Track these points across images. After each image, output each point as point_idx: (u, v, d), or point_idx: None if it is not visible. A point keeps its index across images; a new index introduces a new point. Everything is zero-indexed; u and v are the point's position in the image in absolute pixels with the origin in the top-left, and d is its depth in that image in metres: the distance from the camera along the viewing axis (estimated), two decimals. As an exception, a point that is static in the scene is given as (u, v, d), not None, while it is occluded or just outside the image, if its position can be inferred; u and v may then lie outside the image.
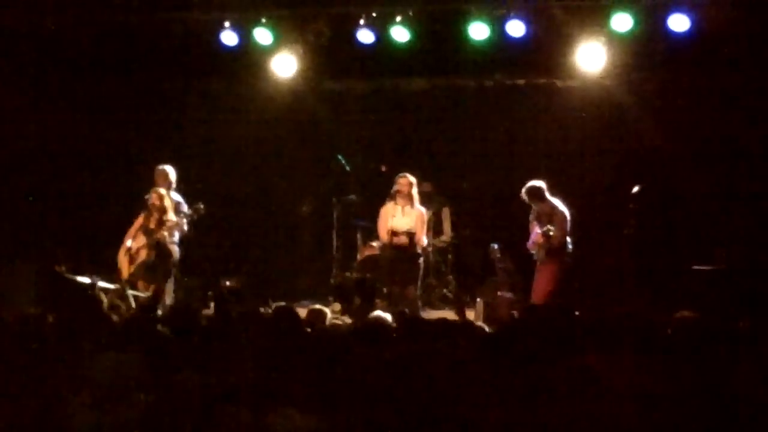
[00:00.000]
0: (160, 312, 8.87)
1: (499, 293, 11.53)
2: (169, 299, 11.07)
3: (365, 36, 12.04)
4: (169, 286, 11.26)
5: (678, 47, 11.63)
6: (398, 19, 11.89)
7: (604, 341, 5.58)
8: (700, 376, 4.70)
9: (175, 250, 11.28)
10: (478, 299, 11.67)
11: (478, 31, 11.76)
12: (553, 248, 10.78)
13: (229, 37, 12.35)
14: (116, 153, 13.57)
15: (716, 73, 12.17)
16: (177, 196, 11.53)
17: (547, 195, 10.94)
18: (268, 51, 12.54)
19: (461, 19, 11.83)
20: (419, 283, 11.43)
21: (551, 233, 10.64)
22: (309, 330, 6.78)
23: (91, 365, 4.66)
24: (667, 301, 9.70)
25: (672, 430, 4.34)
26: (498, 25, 11.72)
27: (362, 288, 11.75)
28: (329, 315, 8.40)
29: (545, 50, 12.13)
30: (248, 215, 14.11)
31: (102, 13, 12.21)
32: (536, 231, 10.90)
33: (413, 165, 12.28)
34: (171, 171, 11.59)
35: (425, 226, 11.52)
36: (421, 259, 11.43)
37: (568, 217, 10.86)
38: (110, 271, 11.12)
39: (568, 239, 10.89)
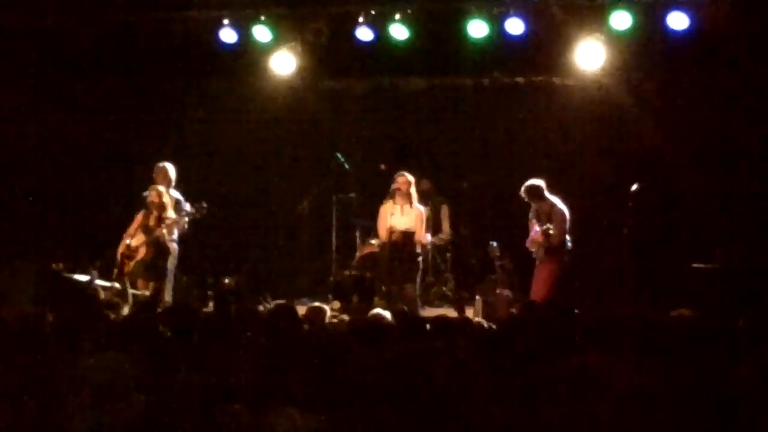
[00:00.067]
0: (159, 310, 8.84)
1: (498, 291, 11.52)
2: (168, 297, 11.05)
3: (364, 34, 12.04)
4: (169, 285, 11.24)
5: (677, 46, 11.62)
6: (397, 17, 11.89)
7: (604, 341, 5.59)
8: (700, 376, 4.69)
9: (174, 248, 11.26)
10: (477, 297, 11.66)
11: (477, 29, 11.77)
12: (552, 247, 10.79)
13: (228, 35, 12.35)
14: (116, 152, 13.56)
15: (715, 71, 12.17)
16: (176, 194, 11.52)
17: (546, 193, 10.94)
18: (267, 49, 12.54)
19: (460, 17, 11.83)
20: (418, 281, 11.43)
21: (551, 232, 10.65)
22: (308, 328, 6.78)
23: (90, 365, 4.65)
24: (666, 301, 9.69)
25: (672, 429, 4.34)
26: (497, 24, 11.73)
27: (361, 286, 11.77)
28: (329, 313, 8.40)
29: (544, 49, 12.14)
30: (247, 214, 14.09)
31: (101, 12, 12.21)
32: (535, 229, 10.90)
33: (412, 163, 12.29)
34: (171, 168, 11.57)
35: (424, 225, 11.51)
36: (420, 258, 11.42)
37: (567, 216, 10.86)
38: (110, 270, 11.11)
39: (567, 238, 10.89)
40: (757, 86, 12.05)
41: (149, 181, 11.43)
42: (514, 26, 11.65)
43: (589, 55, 11.82)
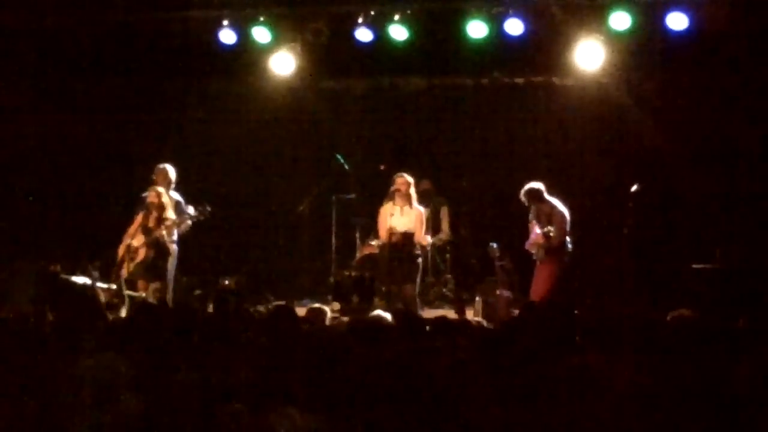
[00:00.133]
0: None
1: (498, 292, 11.52)
2: (168, 298, 11.05)
3: (364, 34, 12.04)
4: (169, 285, 11.23)
5: (677, 46, 11.63)
6: (397, 17, 11.90)
7: (604, 341, 5.59)
8: (700, 376, 4.69)
9: (174, 248, 11.26)
10: (477, 298, 11.67)
11: (477, 29, 11.76)
12: (552, 248, 10.80)
13: (227, 36, 12.35)
14: (116, 153, 13.56)
15: (715, 71, 12.18)
16: (176, 195, 11.51)
17: (546, 195, 10.95)
18: (267, 50, 12.55)
19: (459, 17, 11.83)
20: (418, 282, 11.43)
21: (551, 234, 10.66)
22: (314, 328, 6.78)
23: (90, 365, 4.64)
24: (666, 301, 9.69)
25: (672, 429, 4.34)
26: (496, 24, 11.73)
27: (361, 287, 11.77)
28: (329, 314, 8.40)
29: (544, 49, 12.16)
30: (247, 214, 14.09)
31: (101, 12, 12.21)
32: (536, 231, 10.91)
33: (412, 164, 12.30)
34: (171, 170, 11.56)
35: (424, 226, 11.51)
36: (420, 259, 11.42)
37: (568, 217, 10.87)
38: (110, 270, 11.11)
39: (568, 239, 10.90)
40: (757, 86, 12.06)
41: (149, 182, 11.42)
42: (514, 26, 11.66)
43: (589, 55, 11.83)
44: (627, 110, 12.98)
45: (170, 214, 11.08)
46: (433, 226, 13.03)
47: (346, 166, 13.43)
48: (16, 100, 12.72)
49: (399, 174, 11.35)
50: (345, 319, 10.46)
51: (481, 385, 4.82)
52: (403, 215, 11.21)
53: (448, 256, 13.59)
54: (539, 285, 10.83)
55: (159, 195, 11.05)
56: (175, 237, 11.28)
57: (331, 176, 13.65)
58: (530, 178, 11.11)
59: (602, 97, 12.98)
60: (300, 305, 10.67)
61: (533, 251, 11.00)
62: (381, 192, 11.65)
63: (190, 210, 11.33)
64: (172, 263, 11.24)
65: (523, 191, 10.94)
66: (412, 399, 4.59)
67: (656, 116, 12.82)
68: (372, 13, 12.02)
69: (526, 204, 11.01)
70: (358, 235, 13.14)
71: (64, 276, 10.80)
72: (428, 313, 10.65)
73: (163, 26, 12.47)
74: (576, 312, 7.46)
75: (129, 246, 11.01)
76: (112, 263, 11.12)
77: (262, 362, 5.16)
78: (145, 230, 11.03)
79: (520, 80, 13.64)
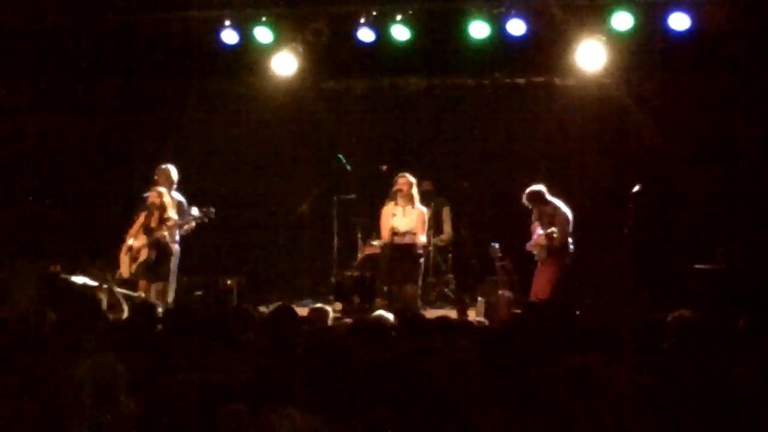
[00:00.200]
0: (161, 311, 8.84)
1: (499, 292, 11.51)
2: (170, 298, 11.06)
3: (365, 35, 12.04)
4: (171, 286, 11.24)
5: (678, 46, 11.62)
6: (399, 17, 11.90)
7: (604, 341, 5.59)
8: (700, 376, 4.69)
9: (176, 249, 11.26)
10: (479, 298, 11.66)
11: (479, 29, 11.76)
12: (554, 248, 10.80)
13: (229, 36, 12.36)
14: (116, 153, 13.56)
15: (716, 72, 12.16)
16: (178, 196, 11.50)
17: (548, 196, 10.95)
18: (268, 50, 12.55)
19: (461, 17, 11.83)
20: (420, 282, 11.43)
21: (555, 235, 10.67)
22: (314, 328, 6.78)
23: (90, 365, 4.65)
24: (666, 301, 9.69)
25: (672, 429, 4.35)
26: (498, 24, 11.73)
27: (362, 287, 11.76)
28: (331, 314, 8.39)
29: (544, 49, 12.14)
30: (248, 214, 14.06)
31: (101, 12, 12.21)
32: (538, 232, 10.91)
33: (413, 164, 12.28)
34: (173, 170, 11.55)
35: (426, 226, 11.51)
36: (422, 259, 11.43)
37: (570, 218, 10.87)
38: (111, 270, 11.13)
39: (569, 240, 10.90)
40: (758, 86, 12.03)
41: (149, 182, 11.42)
42: (515, 27, 11.65)
43: (590, 56, 11.81)
44: (628, 110, 12.96)
45: (172, 214, 11.08)
46: (435, 227, 13.02)
47: (348, 167, 13.42)
48: (16, 100, 12.73)
49: (401, 174, 11.36)
50: (347, 319, 10.47)
51: (481, 385, 4.83)
52: (405, 215, 11.23)
53: (449, 256, 13.58)
54: (540, 285, 10.82)
55: (160, 195, 11.04)
56: (177, 237, 11.28)
57: (332, 176, 13.64)
58: (531, 178, 11.11)
59: (603, 97, 12.96)
60: (301, 305, 10.68)
61: (535, 252, 11.01)
62: (382, 192, 11.66)
63: (194, 211, 11.32)
64: (174, 263, 11.24)
65: (525, 195, 10.94)
66: (413, 399, 4.59)
67: (657, 116, 12.80)
68: (374, 13, 12.01)
69: (529, 206, 11.01)
70: (359, 235, 13.13)
71: (64, 276, 10.82)
72: (430, 313, 10.63)
73: (164, 26, 12.47)
74: (576, 312, 7.47)
75: (131, 246, 11.01)
76: (113, 263, 11.14)
77: (262, 362, 5.16)
78: (147, 230, 11.03)
79: (521, 80, 13.63)
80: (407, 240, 11.15)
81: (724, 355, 5.20)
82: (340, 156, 13.46)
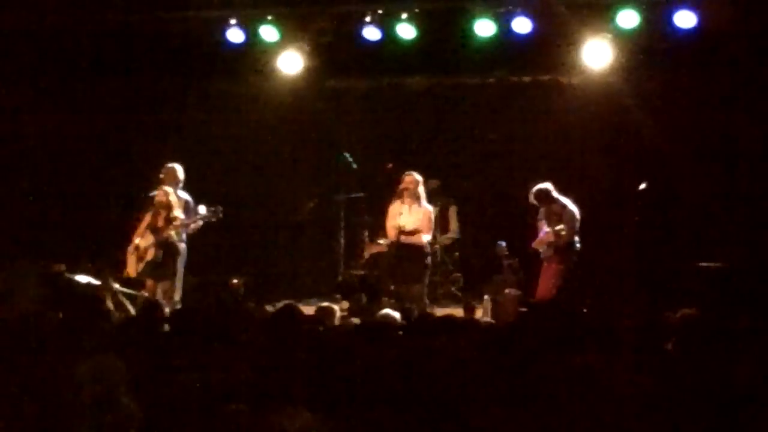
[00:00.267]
0: (167, 311, 8.85)
1: (506, 291, 11.52)
2: (177, 297, 11.07)
3: (371, 34, 12.05)
4: (178, 285, 11.25)
5: (684, 45, 11.60)
6: (404, 16, 11.90)
7: (605, 341, 5.58)
8: (700, 376, 4.69)
9: (183, 248, 11.27)
10: (486, 297, 11.67)
11: (484, 28, 11.76)
12: (560, 246, 10.80)
13: (235, 35, 12.38)
14: (116, 153, 13.60)
15: (723, 70, 12.11)
16: (185, 195, 11.51)
17: (556, 194, 10.95)
18: (273, 49, 12.57)
19: (466, 16, 11.83)
20: (426, 280, 11.42)
21: (563, 233, 10.67)
22: (315, 328, 6.79)
23: (91, 365, 4.66)
24: (668, 300, 9.68)
25: (672, 429, 4.34)
26: (503, 23, 11.72)
27: (368, 286, 11.76)
28: (338, 313, 8.42)
29: (550, 47, 12.14)
30: (254, 213, 14.09)
31: (102, 12, 12.24)
32: (544, 230, 10.92)
33: (418, 163, 12.27)
34: (179, 169, 11.55)
35: (432, 224, 11.51)
36: (428, 257, 11.42)
37: (578, 216, 10.87)
38: (111, 270, 11.16)
39: (576, 238, 10.90)
40: (764, 86, 11.99)
41: (150, 182, 11.44)
42: (521, 25, 11.65)
43: (596, 54, 11.82)
44: (633, 109, 12.93)
45: (178, 213, 11.08)
46: (441, 226, 13.03)
47: (354, 165, 13.42)
48: (16, 100, 12.77)
49: (408, 172, 11.34)
50: (354, 318, 10.48)
51: (481, 384, 4.83)
52: (411, 214, 11.20)
53: (456, 254, 13.58)
54: (545, 284, 10.83)
55: (167, 194, 11.05)
56: (183, 237, 11.29)
57: (338, 175, 13.66)
58: (537, 177, 11.11)
59: (609, 95, 12.91)
60: (308, 304, 10.69)
61: (541, 250, 11.01)
62: (388, 191, 11.65)
63: (202, 209, 11.32)
64: (180, 263, 11.24)
65: (532, 193, 10.94)
66: (413, 399, 4.60)
67: (664, 115, 12.74)
68: (379, 12, 12.02)
69: (537, 204, 11.01)
70: (365, 234, 13.13)
71: (67, 275, 10.85)
72: (436, 312, 10.66)
73: (170, 26, 12.49)
74: (582, 311, 7.47)
75: (137, 246, 11.03)
76: (112, 263, 11.17)
77: (263, 362, 5.17)
78: (154, 230, 11.04)
79: (526, 79, 13.63)
80: (413, 239, 11.14)
81: (725, 354, 5.19)
82: (346, 154, 13.46)
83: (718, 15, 11.18)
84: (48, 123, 13.05)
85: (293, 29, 12.36)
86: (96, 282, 10.82)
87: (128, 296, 10.74)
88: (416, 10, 11.96)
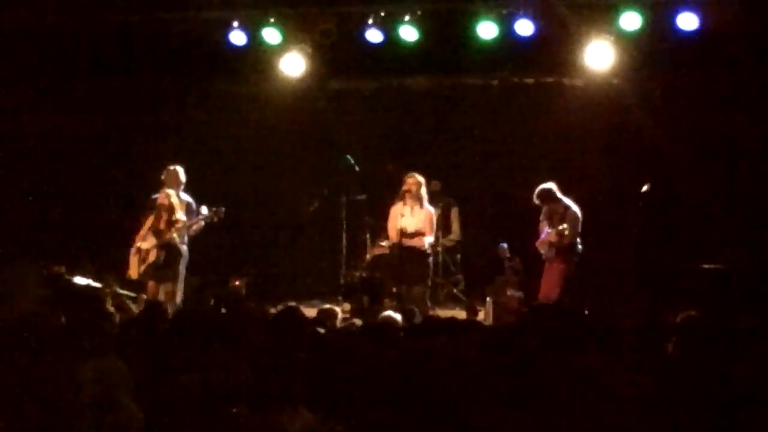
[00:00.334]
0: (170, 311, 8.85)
1: (508, 292, 11.52)
2: (179, 299, 11.08)
3: (374, 35, 12.05)
4: (179, 287, 11.26)
5: (687, 46, 11.59)
6: (407, 18, 11.90)
7: (605, 341, 5.58)
8: (700, 377, 4.69)
9: (185, 250, 11.28)
10: (488, 298, 11.67)
11: (487, 30, 11.76)
12: (563, 247, 10.80)
13: (237, 37, 12.39)
14: (116, 153, 13.61)
15: (725, 73, 12.12)
16: (187, 197, 11.52)
17: (559, 195, 10.96)
18: (276, 51, 12.57)
19: (469, 18, 11.83)
20: (428, 282, 11.42)
21: (566, 233, 10.67)
22: (317, 329, 6.79)
23: (92, 366, 4.67)
24: (668, 301, 9.69)
25: (672, 429, 4.34)
26: (506, 24, 11.72)
27: (371, 287, 11.75)
28: (340, 315, 8.41)
29: (553, 49, 12.12)
30: (255, 215, 14.11)
31: (104, 13, 12.25)
32: (546, 230, 10.92)
33: (420, 164, 12.26)
34: (181, 171, 11.56)
35: (434, 226, 11.50)
36: (430, 259, 11.42)
37: (580, 217, 10.88)
38: (111, 271, 11.17)
39: (578, 239, 10.90)
40: (766, 87, 11.99)
41: (151, 182, 11.45)
42: (523, 27, 11.65)
43: (599, 56, 11.80)
44: (636, 110, 12.93)
45: (180, 215, 11.09)
46: (443, 227, 13.02)
47: (356, 167, 13.41)
48: (16, 100, 12.78)
49: (410, 174, 11.33)
50: (356, 320, 10.48)
51: (482, 385, 4.83)
52: (414, 215, 11.20)
53: (458, 256, 13.58)
54: (548, 284, 10.83)
55: (169, 196, 11.07)
56: (185, 239, 11.30)
57: (341, 177, 13.64)
58: (539, 178, 11.11)
59: (612, 97, 12.92)
60: (310, 306, 10.69)
61: (543, 250, 11.01)
62: (390, 192, 11.64)
63: (204, 210, 11.33)
64: (182, 265, 11.25)
65: (535, 194, 10.96)
66: (414, 399, 4.60)
67: (665, 116, 12.76)
68: (382, 14, 12.02)
69: (540, 205, 11.02)
70: (368, 235, 13.12)
71: (67, 277, 10.86)
72: (438, 314, 10.66)
73: (172, 27, 12.50)
74: (583, 312, 7.46)
75: (140, 248, 11.04)
76: (112, 263, 11.18)
77: (264, 363, 5.17)
78: (156, 232, 11.05)
79: (529, 80, 13.62)
80: (415, 241, 11.13)
81: (725, 355, 5.19)
82: (348, 156, 13.44)
83: (720, 17, 11.17)
84: (48, 123, 13.08)
85: (295, 31, 12.36)
86: (96, 284, 10.83)
87: (129, 298, 10.74)
88: (418, 12, 11.96)
